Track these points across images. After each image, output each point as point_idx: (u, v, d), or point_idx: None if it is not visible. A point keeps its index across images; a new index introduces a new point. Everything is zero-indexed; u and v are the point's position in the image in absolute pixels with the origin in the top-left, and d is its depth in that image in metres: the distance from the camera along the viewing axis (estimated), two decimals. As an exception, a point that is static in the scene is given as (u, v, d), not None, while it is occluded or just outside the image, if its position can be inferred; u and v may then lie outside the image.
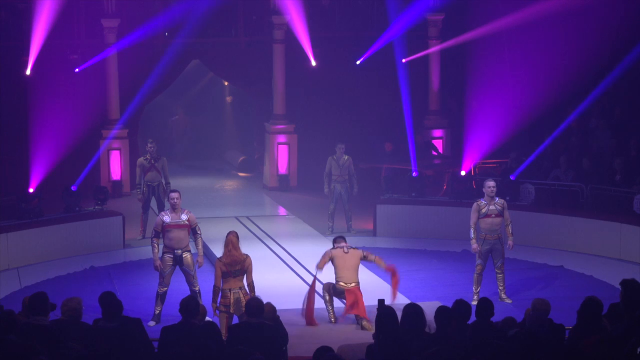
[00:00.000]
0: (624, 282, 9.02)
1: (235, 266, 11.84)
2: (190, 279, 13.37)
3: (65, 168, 20.71)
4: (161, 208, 17.84)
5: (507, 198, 15.58)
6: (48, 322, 8.72)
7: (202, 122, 28.35)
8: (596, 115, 20.51)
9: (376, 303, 8.19)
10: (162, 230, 13.27)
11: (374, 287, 14.09)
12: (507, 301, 14.05)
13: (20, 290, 14.60)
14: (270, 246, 17.38)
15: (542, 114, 20.69)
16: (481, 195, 14.52)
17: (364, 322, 12.51)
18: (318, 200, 20.71)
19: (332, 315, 12.86)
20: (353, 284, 12.74)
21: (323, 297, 12.97)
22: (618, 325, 8.42)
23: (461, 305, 8.83)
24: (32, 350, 7.91)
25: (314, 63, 22.71)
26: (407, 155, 20.36)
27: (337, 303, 12.99)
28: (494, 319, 8.97)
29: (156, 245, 13.34)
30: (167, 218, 13.29)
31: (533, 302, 9.13)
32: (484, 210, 14.08)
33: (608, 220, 17.19)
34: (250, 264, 11.90)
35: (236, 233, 12.14)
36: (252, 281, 11.89)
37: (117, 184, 22.26)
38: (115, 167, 22.36)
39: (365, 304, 12.64)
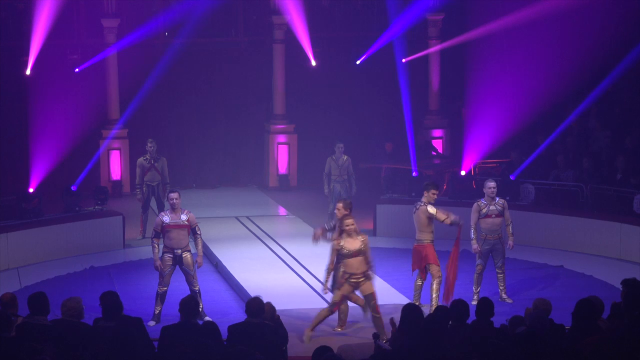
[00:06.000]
0: (625, 282, 9.03)
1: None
2: (190, 279, 13.37)
3: (65, 168, 20.72)
4: (161, 208, 17.84)
5: (507, 198, 15.59)
6: (48, 322, 8.72)
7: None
8: (595, 115, 20.52)
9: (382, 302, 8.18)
10: (162, 231, 13.27)
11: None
12: (508, 301, 14.06)
13: (20, 290, 14.59)
14: (270, 246, 17.37)
15: (542, 113, 20.69)
16: (481, 195, 14.53)
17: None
18: (318, 200, 20.70)
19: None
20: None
21: None
22: (619, 325, 8.42)
23: (460, 305, 8.83)
24: (32, 350, 7.91)
25: (314, 63, 22.72)
26: (407, 155, 20.37)
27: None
28: (494, 319, 8.97)
29: (156, 246, 13.34)
30: (166, 218, 13.29)
31: (534, 302, 9.14)
32: (484, 211, 14.08)
33: (608, 220, 17.19)
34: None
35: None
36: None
37: (117, 184, 22.27)
38: (115, 167, 22.38)
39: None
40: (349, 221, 11.97)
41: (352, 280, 11.91)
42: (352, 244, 11.90)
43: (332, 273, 12.14)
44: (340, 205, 12.59)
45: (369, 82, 23.70)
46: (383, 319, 11.71)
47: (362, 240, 11.95)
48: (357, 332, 12.47)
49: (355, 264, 11.88)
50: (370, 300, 11.90)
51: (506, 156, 20.20)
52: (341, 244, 11.91)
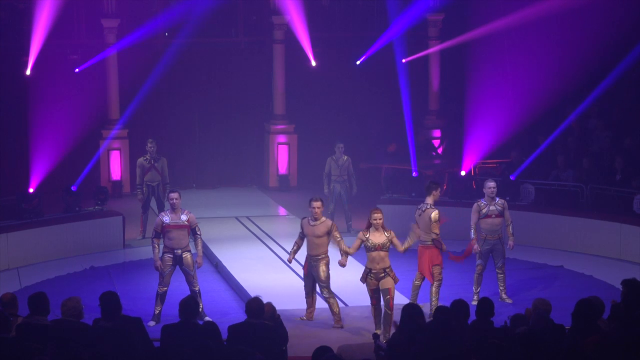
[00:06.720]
0: (625, 282, 9.04)
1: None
2: (190, 279, 13.37)
3: (65, 168, 20.72)
4: (161, 208, 17.84)
5: (507, 198, 15.60)
6: (48, 322, 8.72)
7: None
8: (595, 115, 20.52)
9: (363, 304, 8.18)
10: (162, 231, 13.27)
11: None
12: (508, 301, 14.05)
13: (20, 290, 14.59)
14: (270, 246, 17.37)
15: (542, 113, 20.69)
16: (481, 195, 14.52)
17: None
18: (318, 200, 20.65)
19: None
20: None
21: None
22: (618, 325, 8.42)
23: (459, 305, 8.84)
24: (32, 350, 7.91)
25: (314, 63, 22.72)
26: (407, 155, 20.36)
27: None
28: (494, 319, 8.97)
29: (156, 246, 13.35)
30: (166, 219, 13.29)
31: (534, 302, 9.14)
32: (484, 211, 14.07)
33: (608, 220, 17.20)
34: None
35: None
36: None
37: (117, 184, 22.27)
38: (115, 167, 22.38)
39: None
40: (377, 215, 12.33)
41: (373, 274, 12.19)
42: (378, 237, 12.21)
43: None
44: (318, 203, 13.02)
45: (369, 82, 23.69)
46: (393, 317, 11.79)
47: (388, 236, 12.22)
48: (357, 332, 12.47)
49: (376, 258, 12.17)
50: (385, 294, 12.13)
51: (506, 156, 20.19)
52: (367, 235, 12.25)
